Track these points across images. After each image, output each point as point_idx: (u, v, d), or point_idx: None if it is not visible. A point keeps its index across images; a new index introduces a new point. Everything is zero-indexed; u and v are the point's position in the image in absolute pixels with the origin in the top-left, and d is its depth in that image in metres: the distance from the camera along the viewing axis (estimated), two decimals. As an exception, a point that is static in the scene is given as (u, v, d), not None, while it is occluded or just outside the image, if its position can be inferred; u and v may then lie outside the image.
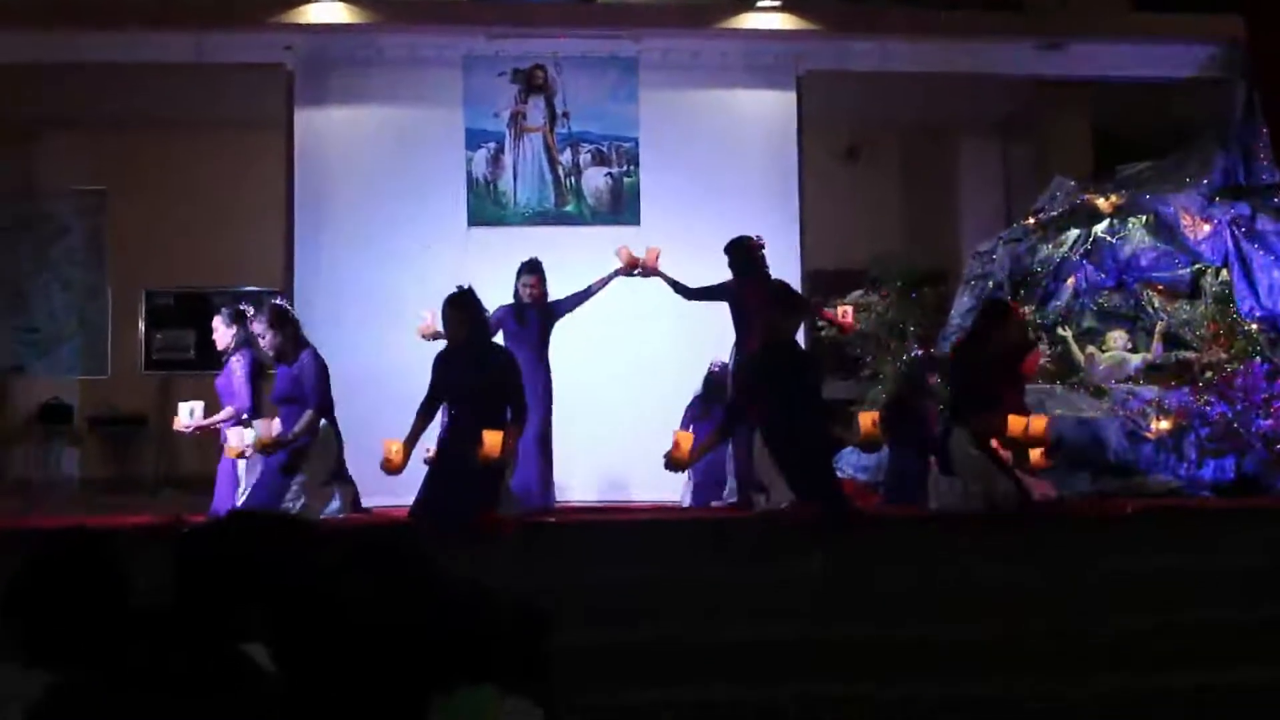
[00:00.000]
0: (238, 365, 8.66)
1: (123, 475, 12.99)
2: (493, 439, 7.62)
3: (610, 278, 9.41)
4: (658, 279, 9.46)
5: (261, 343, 8.38)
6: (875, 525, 8.01)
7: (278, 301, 8.69)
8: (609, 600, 6.60)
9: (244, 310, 8.79)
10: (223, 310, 8.92)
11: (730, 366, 9.45)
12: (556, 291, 9.32)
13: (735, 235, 9.38)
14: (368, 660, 2.39)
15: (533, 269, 9.23)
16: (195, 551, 3.09)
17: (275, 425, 8.18)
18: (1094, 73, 12.11)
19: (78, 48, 10.90)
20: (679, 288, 9.44)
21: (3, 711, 2.86)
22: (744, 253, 9.27)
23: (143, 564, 3.25)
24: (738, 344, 9.28)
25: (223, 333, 8.76)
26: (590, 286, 9.38)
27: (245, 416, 8.59)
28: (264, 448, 8.13)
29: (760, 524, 7.93)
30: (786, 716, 5.89)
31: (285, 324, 8.32)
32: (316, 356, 8.35)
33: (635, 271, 9.41)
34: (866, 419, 8.18)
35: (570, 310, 9.33)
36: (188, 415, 8.75)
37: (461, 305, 7.99)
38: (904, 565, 7.26)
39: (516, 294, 9.20)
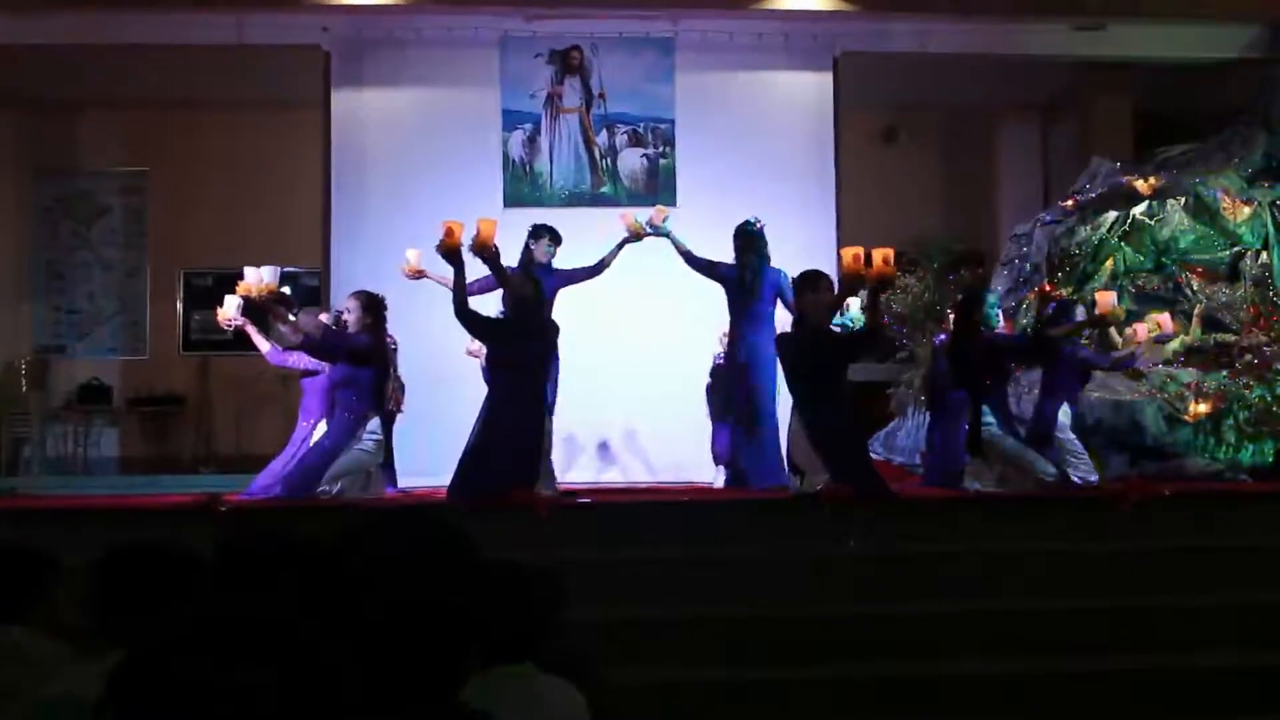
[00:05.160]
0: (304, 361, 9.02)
1: (161, 455, 13.09)
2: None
3: (619, 248, 9.29)
4: (668, 245, 9.34)
5: (347, 317, 8.50)
6: (910, 506, 7.99)
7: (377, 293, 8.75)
8: (642, 580, 6.63)
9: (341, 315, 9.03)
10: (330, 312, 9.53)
11: (721, 356, 9.43)
12: None
13: (766, 217, 9.34)
14: (400, 634, 2.41)
15: (558, 236, 9.18)
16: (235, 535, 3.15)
17: (266, 274, 8.57)
18: (1135, 54, 11.99)
19: (118, 28, 10.97)
20: (684, 251, 9.26)
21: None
22: (745, 238, 9.21)
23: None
24: (731, 331, 9.20)
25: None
26: (603, 259, 9.25)
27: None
28: (248, 293, 8.49)
29: (795, 505, 7.92)
30: (822, 697, 5.91)
31: (371, 312, 8.40)
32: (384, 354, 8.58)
33: (647, 232, 9.27)
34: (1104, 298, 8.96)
35: (578, 282, 9.20)
36: (233, 309, 8.87)
37: (537, 281, 8.22)
38: (936, 546, 7.26)
39: (534, 258, 9.08)
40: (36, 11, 10.77)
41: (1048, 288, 10.67)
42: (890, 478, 8.68)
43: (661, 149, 11.04)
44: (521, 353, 8.00)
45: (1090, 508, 7.87)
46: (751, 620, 6.40)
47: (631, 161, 11.05)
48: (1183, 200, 11.08)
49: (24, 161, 13.58)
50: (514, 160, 10.99)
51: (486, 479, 7.71)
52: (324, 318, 9.25)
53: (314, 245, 11.41)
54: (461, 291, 8.03)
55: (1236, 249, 10.96)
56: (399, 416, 9.24)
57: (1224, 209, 10.93)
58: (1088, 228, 11.20)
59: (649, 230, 9.27)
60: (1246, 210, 10.90)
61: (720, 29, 11.16)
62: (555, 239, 9.14)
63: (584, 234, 9.45)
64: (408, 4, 10.86)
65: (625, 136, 11.07)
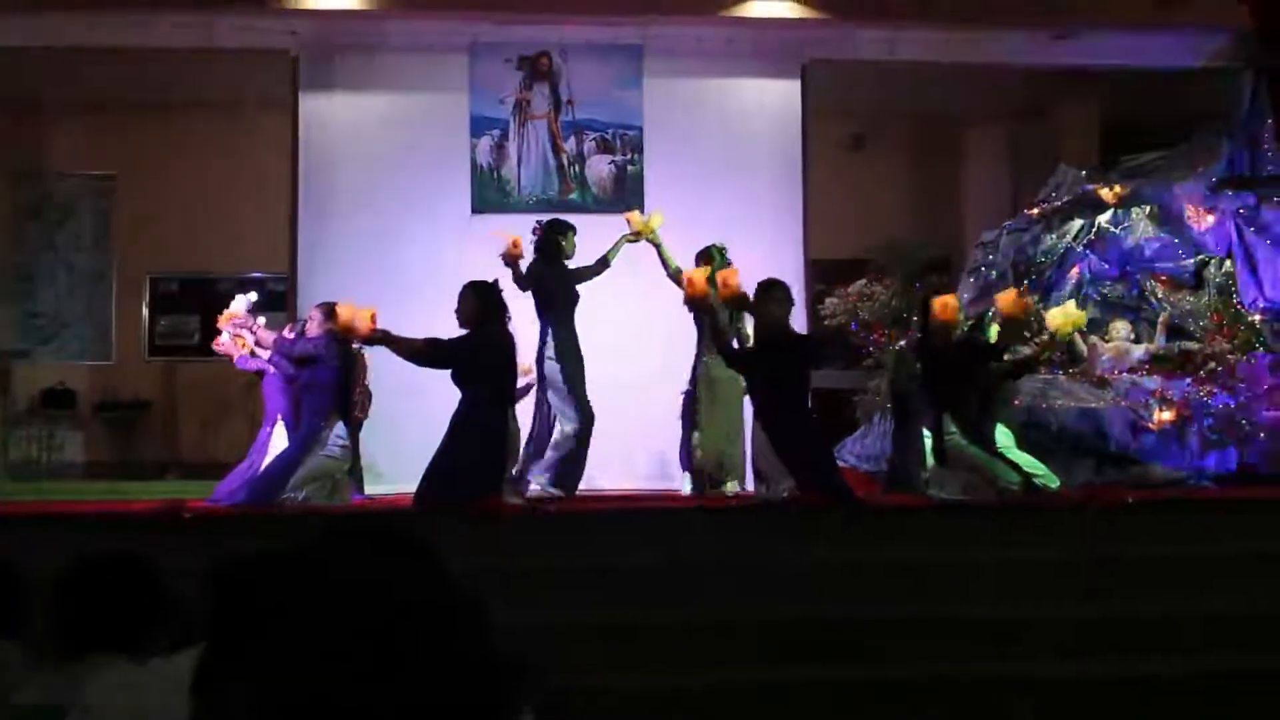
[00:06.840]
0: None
1: (126, 461, 13.02)
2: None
3: (617, 246, 9.39)
4: (653, 251, 9.45)
5: (310, 325, 8.66)
6: (875, 514, 8.01)
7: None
8: (609, 586, 6.63)
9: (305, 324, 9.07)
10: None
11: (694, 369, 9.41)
12: None
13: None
14: (357, 650, 2.40)
15: (575, 228, 9.27)
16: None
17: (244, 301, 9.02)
18: (1102, 62, 12.02)
19: (83, 31, 10.88)
20: (674, 269, 9.33)
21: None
22: (719, 262, 9.23)
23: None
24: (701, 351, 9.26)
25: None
26: (604, 257, 9.34)
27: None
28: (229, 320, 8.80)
29: (760, 511, 7.94)
30: (789, 700, 5.92)
31: (332, 319, 8.51)
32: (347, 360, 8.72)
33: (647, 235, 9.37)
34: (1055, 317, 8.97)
35: (586, 280, 9.27)
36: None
37: (487, 292, 8.16)
38: (903, 552, 7.28)
39: (559, 250, 9.16)
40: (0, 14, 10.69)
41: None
42: (856, 485, 8.69)
43: (630, 156, 11.04)
44: (482, 364, 7.99)
45: (1053, 515, 7.90)
46: (746, 622, 6.40)
47: (599, 168, 11.04)
48: (1147, 208, 11.15)
49: (-11, 165, 13.51)
50: (482, 166, 10.96)
51: (453, 487, 7.70)
52: (288, 331, 9.25)
53: (280, 250, 11.35)
54: (405, 350, 8.07)
55: (1201, 257, 11.03)
56: (365, 424, 9.23)
57: (1188, 217, 11.00)
58: (1053, 236, 11.26)
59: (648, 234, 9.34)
60: (1210, 218, 10.97)
61: (689, 36, 11.16)
62: (575, 231, 9.23)
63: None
64: (377, 9, 10.82)
65: (593, 143, 11.05)
